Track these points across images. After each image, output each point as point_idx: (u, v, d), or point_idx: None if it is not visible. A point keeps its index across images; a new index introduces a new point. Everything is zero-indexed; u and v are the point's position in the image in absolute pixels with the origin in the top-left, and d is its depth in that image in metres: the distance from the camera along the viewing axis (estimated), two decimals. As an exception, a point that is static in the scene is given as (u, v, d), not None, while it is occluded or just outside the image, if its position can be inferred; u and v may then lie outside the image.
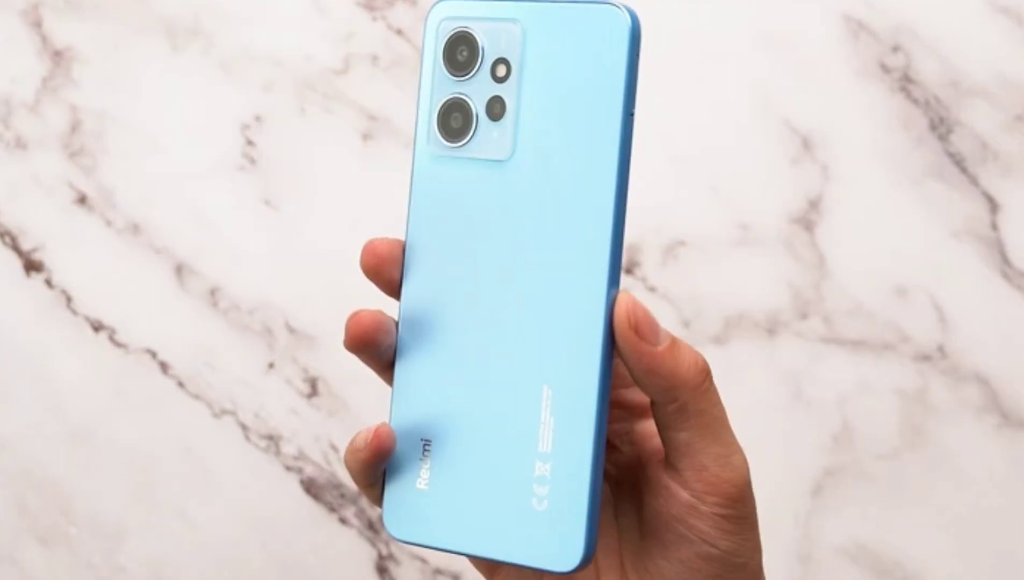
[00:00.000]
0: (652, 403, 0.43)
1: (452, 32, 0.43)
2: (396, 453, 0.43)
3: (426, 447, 0.43)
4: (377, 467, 0.43)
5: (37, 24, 0.79)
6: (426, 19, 0.44)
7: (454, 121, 0.43)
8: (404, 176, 0.44)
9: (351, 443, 0.43)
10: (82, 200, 0.79)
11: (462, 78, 0.43)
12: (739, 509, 0.42)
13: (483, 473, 0.42)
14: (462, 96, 0.43)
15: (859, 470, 0.77)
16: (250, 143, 0.79)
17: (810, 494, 0.78)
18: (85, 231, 0.79)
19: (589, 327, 0.41)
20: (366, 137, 0.79)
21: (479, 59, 0.43)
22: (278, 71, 0.79)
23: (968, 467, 0.77)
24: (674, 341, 0.42)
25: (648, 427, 0.45)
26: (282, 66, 0.79)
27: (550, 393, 0.41)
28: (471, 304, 0.43)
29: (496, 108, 0.43)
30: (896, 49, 0.79)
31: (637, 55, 0.42)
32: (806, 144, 0.79)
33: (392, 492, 0.43)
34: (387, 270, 0.44)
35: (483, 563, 0.45)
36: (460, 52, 0.43)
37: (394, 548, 0.77)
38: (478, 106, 0.43)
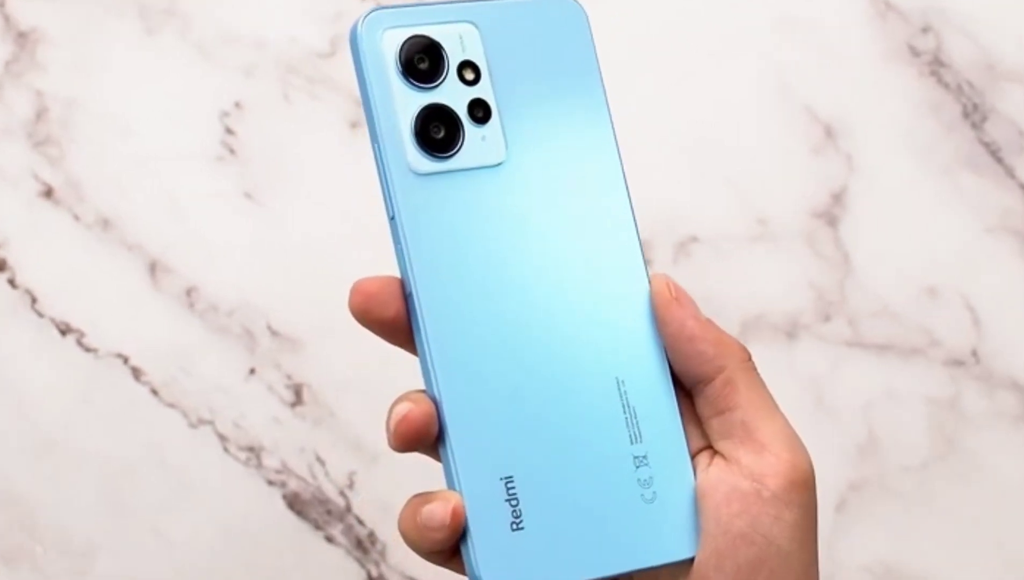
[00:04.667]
0: (695, 394, 0.43)
1: (405, 40, 0.43)
2: (476, 508, 0.42)
3: (510, 486, 0.42)
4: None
5: (-1, 2, 0.79)
6: (358, 32, 0.43)
7: (434, 132, 0.43)
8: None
9: (419, 517, 0.42)
10: (48, 193, 0.78)
11: (429, 86, 0.43)
12: (803, 498, 0.42)
13: (582, 487, 0.42)
14: (441, 104, 0.43)
15: (885, 483, 0.77)
16: (230, 132, 0.79)
17: (833, 509, 0.77)
18: (51, 226, 0.78)
19: (640, 307, 0.44)
20: (354, 125, 0.79)
21: (445, 64, 0.43)
22: (260, 54, 0.79)
23: (1002, 479, 0.78)
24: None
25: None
26: (264, 49, 0.79)
27: (623, 383, 0.43)
28: (513, 323, 0.43)
29: (479, 112, 0.44)
30: (926, 30, 0.79)
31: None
32: (829, 133, 0.79)
33: (484, 547, 0.42)
34: (378, 309, 0.43)
35: None
36: (419, 60, 0.43)
37: (384, 568, 0.76)
38: (459, 112, 0.43)
